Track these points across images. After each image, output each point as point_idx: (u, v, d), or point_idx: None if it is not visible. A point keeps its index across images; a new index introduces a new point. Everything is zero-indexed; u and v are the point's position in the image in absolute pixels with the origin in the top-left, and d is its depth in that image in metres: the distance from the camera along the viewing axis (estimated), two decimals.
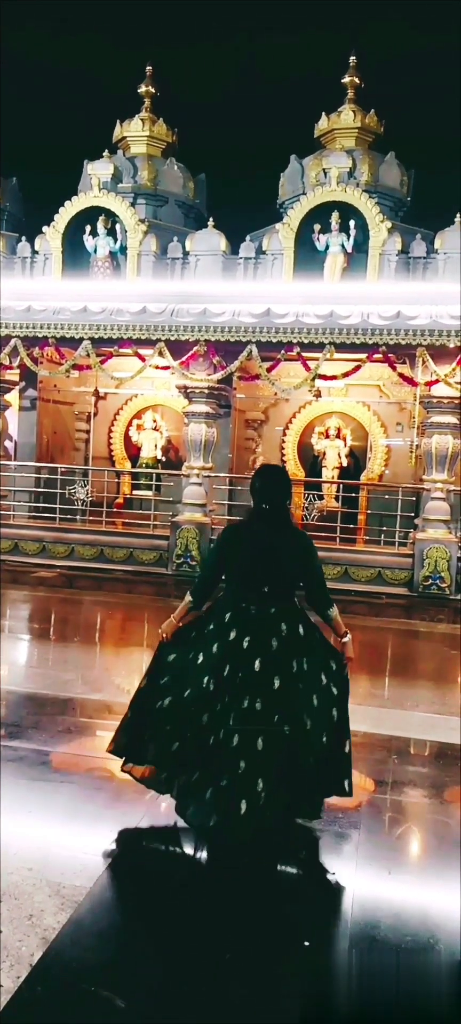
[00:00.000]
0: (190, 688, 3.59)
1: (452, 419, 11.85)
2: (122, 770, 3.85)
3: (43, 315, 12.84)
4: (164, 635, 3.76)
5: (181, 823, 3.67)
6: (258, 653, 3.52)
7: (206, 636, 3.64)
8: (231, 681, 3.52)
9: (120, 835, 3.59)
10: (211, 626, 3.66)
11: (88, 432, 15.76)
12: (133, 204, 14.06)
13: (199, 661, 3.61)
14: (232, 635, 3.55)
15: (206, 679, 3.56)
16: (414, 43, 20.36)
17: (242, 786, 3.38)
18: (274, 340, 11.89)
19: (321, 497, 13.63)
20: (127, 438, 15.76)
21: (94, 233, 13.66)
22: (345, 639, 3.72)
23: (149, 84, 16.20)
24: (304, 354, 11.92)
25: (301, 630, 3.63)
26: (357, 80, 15.29)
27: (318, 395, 13.33)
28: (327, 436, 14.58)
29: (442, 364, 11.44)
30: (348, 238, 12.62)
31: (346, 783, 3.72)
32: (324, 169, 13.30)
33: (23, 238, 14.36)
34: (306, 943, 2.90)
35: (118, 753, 3.84)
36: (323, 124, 15.26)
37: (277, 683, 3.50)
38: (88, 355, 12.68)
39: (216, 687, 3.53)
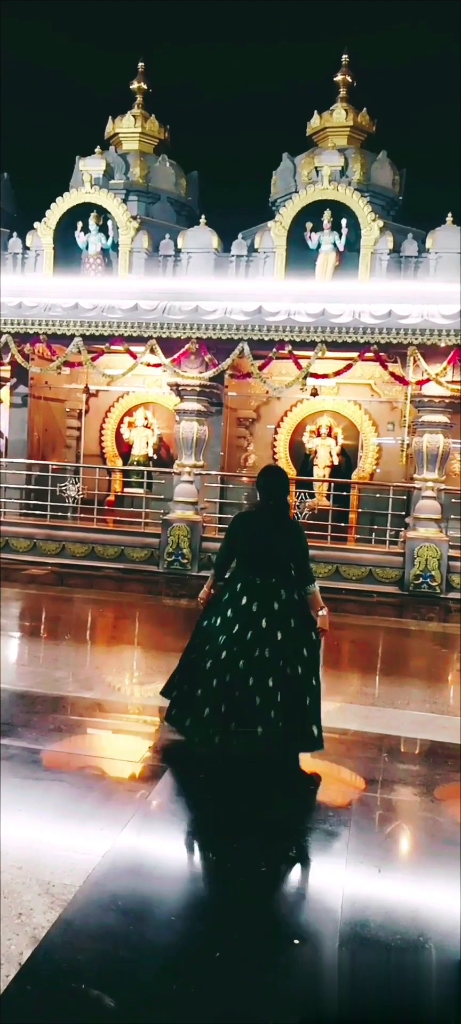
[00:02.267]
0: (210, 646, 4.51)
1: (443, 418, 11.90)
2: (166, 720, 4.78)
3: (34, 311, 12.81)
4: (201, 600, 4.76)
5: (172, 821, 3.74)
6: (264, 614, 4.45)
7: (223, 603, 4.58)
8: (243, 637, 4.42)
9: (110, 834, 3.59)
10: (227, 595, 4.59)
11: (79, 429, 15.74)
12: (125, 201, 14.04)
13: (218, 623, 4.53)
14: (243, 601, 4.49)
15: (223, 638, 4.45)
16: (407, 45, 20.41)
17: (258, 715, 4.34)
18: (266, 338, 11.89)
19: (312, 495, 13.65)
20: (118, 435, 15.75)
21: (86, 230, 13.63)
22: (321, 612, 4.57)
23: (141, 80, 16.15)
24: (296, 352, 11.93)
25: (296, 596, 4.54)
26: (349, 79, 15.30)
27: (315, 393, 13.32)
28: (318, 434, 14.61)
29: (433, 363, 11.48)
30: (340, 237, 12.63)
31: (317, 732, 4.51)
32: (316, 167, 13.30)
33: (14, 234, 14.28)
34: (296, 941, 2.91)
35: (166, 694, 4.80)
36: (315, 122, 15.26)
37: (279, 636, 4.43)
38: (79, 352, 12.65)
39: (231, 642, 4.42)
